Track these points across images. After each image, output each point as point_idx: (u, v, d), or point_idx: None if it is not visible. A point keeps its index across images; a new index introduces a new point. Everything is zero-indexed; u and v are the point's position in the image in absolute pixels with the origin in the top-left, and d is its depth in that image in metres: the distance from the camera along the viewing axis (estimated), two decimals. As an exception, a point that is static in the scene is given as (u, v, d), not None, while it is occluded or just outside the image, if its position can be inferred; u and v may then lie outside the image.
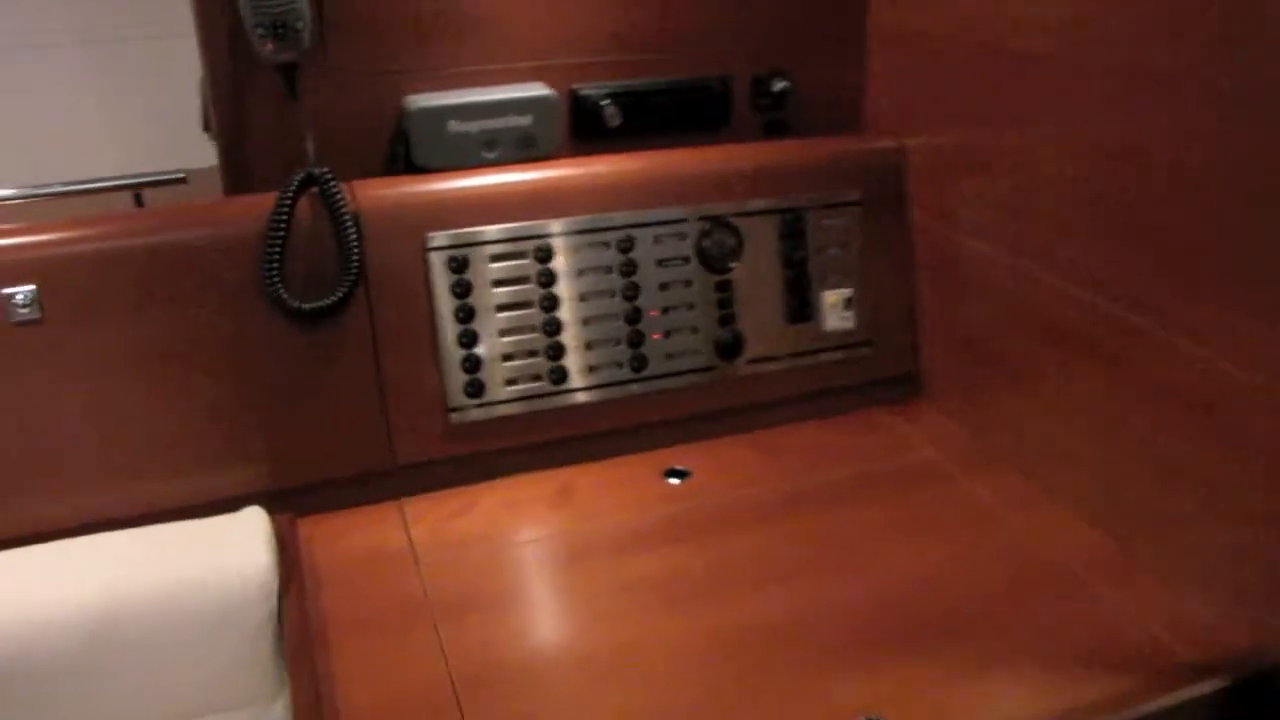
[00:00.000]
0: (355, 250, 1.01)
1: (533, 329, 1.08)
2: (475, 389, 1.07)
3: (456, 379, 1.06)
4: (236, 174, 1.06)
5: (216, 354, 1.00)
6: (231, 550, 0.92)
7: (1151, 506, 0.91)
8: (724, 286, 1.14)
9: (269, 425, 1.02)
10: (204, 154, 1.11)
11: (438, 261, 1.05)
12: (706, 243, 1.13)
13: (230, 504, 0.99)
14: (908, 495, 1.05)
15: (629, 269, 1.11)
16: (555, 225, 1.08)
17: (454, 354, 1.06)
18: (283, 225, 0.99)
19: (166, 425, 0.99)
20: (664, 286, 1.12)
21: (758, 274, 1.15)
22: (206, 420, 1.00)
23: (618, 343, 1.11)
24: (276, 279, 0.99)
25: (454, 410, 1.07)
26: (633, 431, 1.13)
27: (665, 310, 1.13)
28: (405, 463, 1.06)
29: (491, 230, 1.06)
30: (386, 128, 1.09)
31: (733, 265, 1.14)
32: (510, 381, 1.08)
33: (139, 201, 1.16)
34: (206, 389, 1.00)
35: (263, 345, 1.01)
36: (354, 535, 1.02)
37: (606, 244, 1.10)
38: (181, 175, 1.14)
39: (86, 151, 1.44)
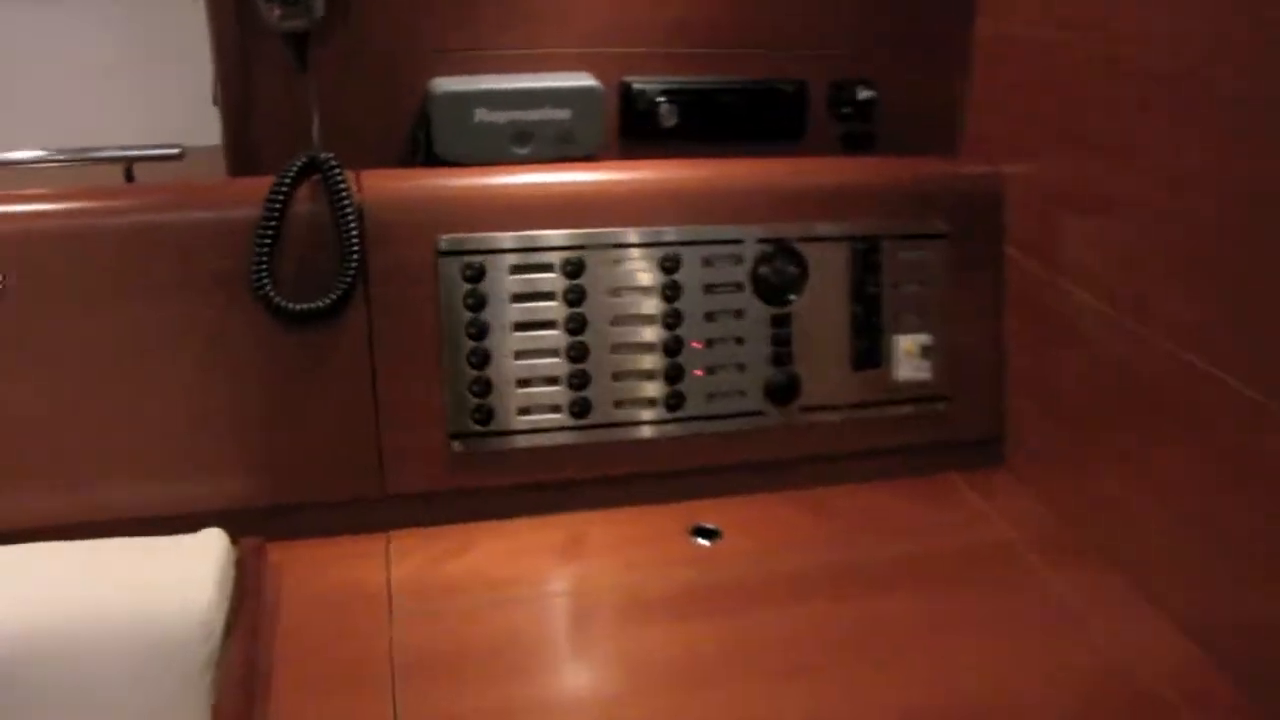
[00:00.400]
0: (355, 248, 0.89)
1: (555, 353, 0.95)
2: (483, 416, 0.94)
3: (463, 402, 0.93)
4: (240, 153, 0.95)
5: (196, 351, 0.89)
6: (176, 579, 0.80)
7: (1267, 628, 0.73)
8: (781, 321, 0.99)
9: (247, 436, 0.90)
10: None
11: (450, 268, 0.92)
12: (765, 269, 0.98)
13: (198, 520, 0.87)
14: (975, 582, 0.88)
15: (672, 293, 0.97)
16: (591, 237, 0.94)
17: (462, 374, 0.93)
18: (276, 214, 0.88)
19: (133, 426, 0.88)
20: (711, 316, 0.98)
21: (822, 309, 1.00)
22: (178, 424, 0.89)
23: (652, 376, 0.97)
24: (265, 275, 0.88)
25: (456, 437, 0.94)
26: (661, 479, 0.98)
27: (710, 343, 0.98)
28: (397, 492, 0.94)
29: (515, 237, 0.93)
30: (409, 114, 0.97)
31: (793, 297, 0.99)
32: (524, 411, 0.95)
33: (129, 176, 1.05)
34: (181, 390, 0.89)
35: (248, 346, 0.89)
36: (329, 569, 0.89)
37: (649, 262, 0.96)
38: (177, 150, 1.03)
39: (100, 117, 1.35)
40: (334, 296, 0.89)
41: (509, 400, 0.94)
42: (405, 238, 0.91)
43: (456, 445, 0.94)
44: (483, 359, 0.93)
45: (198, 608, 0.78)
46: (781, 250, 0.99)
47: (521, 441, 0.95)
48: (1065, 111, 0.93)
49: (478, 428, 0.94)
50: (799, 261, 0.99)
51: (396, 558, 0.91)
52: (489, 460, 0.95)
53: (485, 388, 0.94)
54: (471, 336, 0.93)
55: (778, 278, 0.99)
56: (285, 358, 0.90)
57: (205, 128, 1.03)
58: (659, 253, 0.96)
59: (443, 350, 0.93)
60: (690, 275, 0.97)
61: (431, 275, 0.92)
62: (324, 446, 0.92)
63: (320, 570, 0.89)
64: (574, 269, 0.95)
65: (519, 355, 0.94)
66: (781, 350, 0.99)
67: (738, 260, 0.98)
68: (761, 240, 0.98)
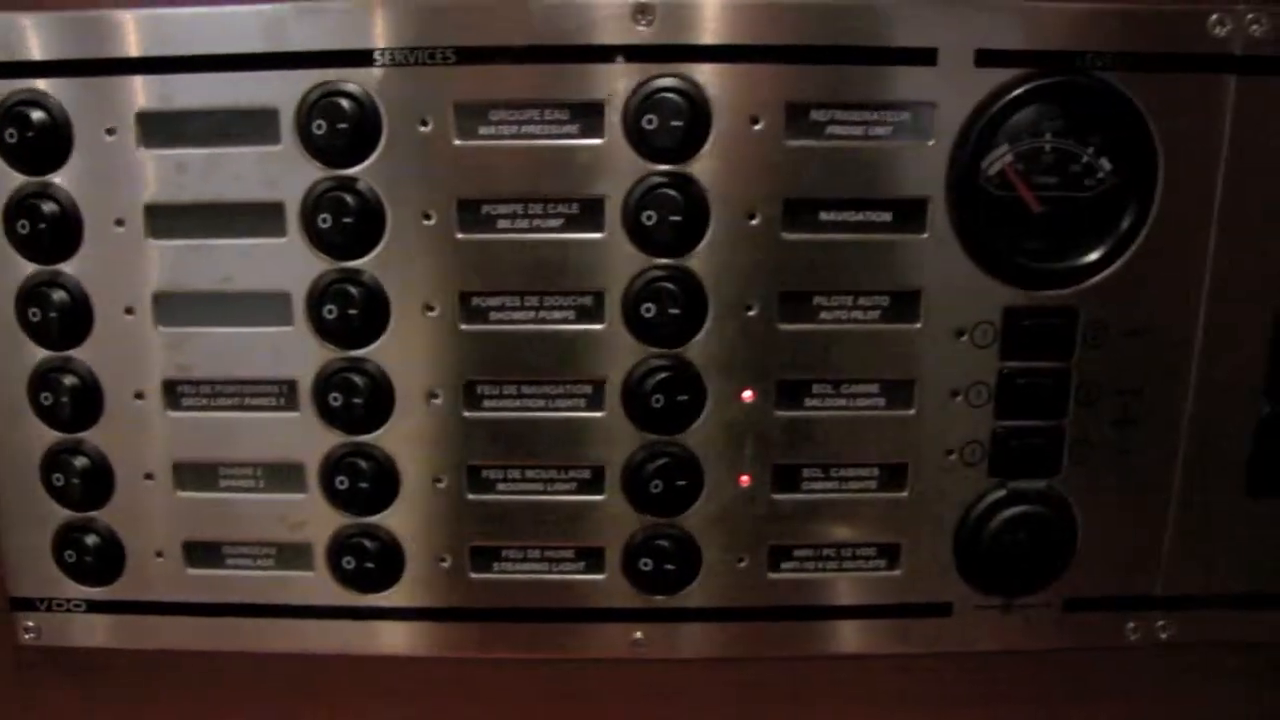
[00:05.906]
0: None
1: (268, 392, 0.33)
2: (89, 560, 0.33)
3: (40, 518, 0.33)
4: None
5: None
6: None
7: None
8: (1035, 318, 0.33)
9: None
10: None
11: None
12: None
13: None
14: None
15: (681, 218, 0.31)
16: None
17: (30, 443, 0.32)
18: None
19: None
20: (812, 304, 0.32)
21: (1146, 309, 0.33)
22: None
23: (581, 483, 0.33)
24: None
25: (23, 606, 0.33)
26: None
27: (813, 390, 0.33)
28: None
29: (145, 20, 0.29)
30: None
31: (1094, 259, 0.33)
32: (205, 552, 0.34)
33: None
34: None
35: None
36: None
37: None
38: None
39: None
40: None
41: (158, 516, 0.33)
42: None
43: (25, 626, 0.33)
44: (81, 402, 0.31)
45: None
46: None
47: (183, 632, 0.34)
48: None
49: (86, 587, 0.35)
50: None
51: None
52: (114, 669, 0.34)
53: (96, 484, 0.32)
54: (42, 337, 0.31)
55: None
56: None
57: None
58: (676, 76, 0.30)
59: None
60: (733, 153, 0.30)
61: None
62: None
63: None
64: (332, 129, 0.29)
65: (173, 395, 0.31)
66: (1031, 428, 0.31)
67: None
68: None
